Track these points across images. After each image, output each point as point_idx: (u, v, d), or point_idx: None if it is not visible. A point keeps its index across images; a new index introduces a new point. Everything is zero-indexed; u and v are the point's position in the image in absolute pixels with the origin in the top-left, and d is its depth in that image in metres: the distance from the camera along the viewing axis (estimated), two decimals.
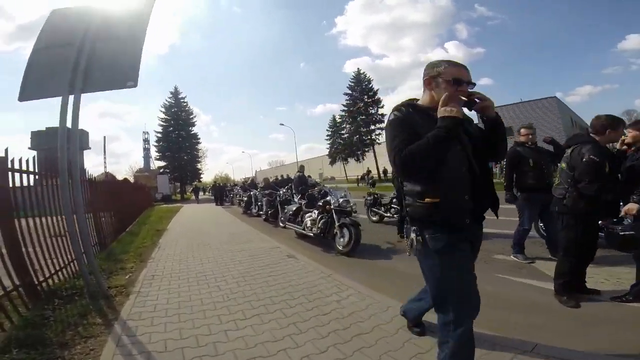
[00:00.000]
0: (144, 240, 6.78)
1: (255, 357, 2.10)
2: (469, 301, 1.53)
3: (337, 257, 4.98)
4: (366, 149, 39.42)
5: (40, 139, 35.58)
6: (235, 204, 18.21)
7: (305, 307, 2.87)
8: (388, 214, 7.67)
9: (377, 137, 39.00)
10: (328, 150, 43.69)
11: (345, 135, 41.04)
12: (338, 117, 42.23)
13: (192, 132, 38.84)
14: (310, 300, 3.03)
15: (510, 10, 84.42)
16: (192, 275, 4.00)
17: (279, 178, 16.69)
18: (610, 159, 2.76)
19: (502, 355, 2.00)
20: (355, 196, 6.59)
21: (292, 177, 17.89)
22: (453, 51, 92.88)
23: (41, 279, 3.13)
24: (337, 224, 5.22)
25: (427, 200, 1.46)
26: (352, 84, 39.50)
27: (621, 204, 2.94)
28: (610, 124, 2.74)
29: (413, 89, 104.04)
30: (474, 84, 1.51)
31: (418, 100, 1.67)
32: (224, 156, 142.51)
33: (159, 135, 37.63)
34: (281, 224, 8.52)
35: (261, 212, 10.67)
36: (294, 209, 6.94)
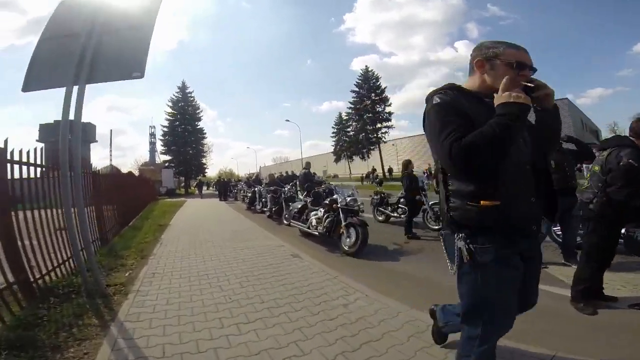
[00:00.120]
0: (146, 236, 6.68)
1: None
2: (504, 320, 1.37)
3: (342, 258, 4.83)
4: (372, 147, 39.14)
5: (48, 132, 35.87)
6: (239, 200, 18.13)
7: (310, 311, 2.72)
8: (395, 214, 7.50)
9: (383, 135, 38.73)
10: (333, 147, 43.48)
11: (351, 133, 40.77)
12: (344, 114, 42.00)
13: (198, 126, 38.89)
14: (316, 304, 2.89)
15: (523, 10, 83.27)
16: (193, 274, 3.88)
17: (284, 174, 16.56)
18: None
19: None
20: (359, 194, 6.41)
21: (297, 174, 17.79)
22: (463, 50, 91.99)
23: (38, 276, 3.02)
24: (343, 223, 5.06)
25: (483, 203, 1.21)
26: (360, 81, 39.19)
27: None
28: None
29: (421, 88, 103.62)
30: (536, 70, 1.31)
31: (458, 85, 1.42)
32: (229, 151, 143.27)
33: (165, 129, 37.74)
34: (285, 222, 8.35)
35: (265, 209, 10.54)
36: (299, 206, 6.79)
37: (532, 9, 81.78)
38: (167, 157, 38.16)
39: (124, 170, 14.06)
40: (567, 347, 2.10)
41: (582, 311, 2.67)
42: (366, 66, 40.32)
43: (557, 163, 3.89)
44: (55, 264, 3.38)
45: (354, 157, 41.00)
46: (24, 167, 3.12)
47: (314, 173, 11.12)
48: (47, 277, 3.18)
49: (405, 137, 50.00)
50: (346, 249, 4.95)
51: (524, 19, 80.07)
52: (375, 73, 39.29)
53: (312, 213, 6.09)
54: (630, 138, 2.66)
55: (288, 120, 56.54)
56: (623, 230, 2.76)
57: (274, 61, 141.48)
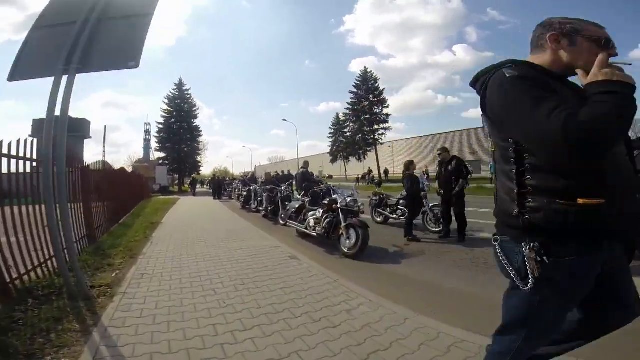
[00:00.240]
0: (137, 234, 6.43)
1: None
2: (546, 339, 1.21)
3: (341, 260, 4.66)
4: (368, 149, 39.08)
5: (41, 127, 35.02)
6: (233, 198, 17.88)
7: (312, 318, 2.53)
8: (394, 216, 7.35)
9: (380, 136, 38.66)
10: (330, 148, 43.36)
11: (348, 134, 40.67)
12: (342, 115, 41.89)
13: (194, 124, 38.48)
14: (317, 310, 2.70)
15: (523, 14, 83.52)
16: (185, 276, 3.66)
17: (280, 174, 16.34)
18: None
19: None
20: (359, 195, 6.24)
21: (293, 173, 17.57)
22: (461, 54, 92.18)
23: (15, 275, 2.78)
24: (343, 224, 4.88)
25: (582, 201, 0.97)
26: (358, 82, 39.10)
27: None
28: None
29: (418, 91, 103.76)
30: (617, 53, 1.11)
31: (525, 61, 1.17)
32: (225, 150, 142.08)
33: (161, 126, 37.25)
34: (281, 222, 8.19)
35: (260, 208, 10.33)
36: (297, 206, 6.60)
37: (532, 14, 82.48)
38: (162, 155, 37.70)
39: (117, 166, 13.73)
40: (592, 351, 1.93)
41: None
42: (365, 67, 40.58)
43: None
44: (36, 263, 3.15)
45: (350, 158, 40.89)
46: (13, 161, 2.93)
47: (312, 173, 10.92)
48: (25, 277, 2.94)
49: (401, 139, 50.13)
50: (345, 250, 4.77)
51: (524, 24, 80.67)
52: (374, 74, 39.36)
53: (310, 213, 5.90)
54: None
55: (285, 120, 56.30)
56: None
57: (272, 61, 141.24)
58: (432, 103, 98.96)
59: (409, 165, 6.25)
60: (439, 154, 5.99)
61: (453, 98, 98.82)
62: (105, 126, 62.68)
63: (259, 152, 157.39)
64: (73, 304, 2.83)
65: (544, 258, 1.02)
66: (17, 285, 2.81)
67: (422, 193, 6.27)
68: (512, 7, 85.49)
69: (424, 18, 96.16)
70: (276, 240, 5.76)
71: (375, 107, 38.34)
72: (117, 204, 8.43)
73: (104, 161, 8.55)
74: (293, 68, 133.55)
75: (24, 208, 3.11)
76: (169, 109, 37.39)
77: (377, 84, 38.75)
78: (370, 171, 31.64)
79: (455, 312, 2.78)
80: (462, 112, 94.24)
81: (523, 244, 1.06)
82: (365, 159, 39.54)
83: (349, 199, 5.16)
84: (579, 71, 1.06)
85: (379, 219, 7.74)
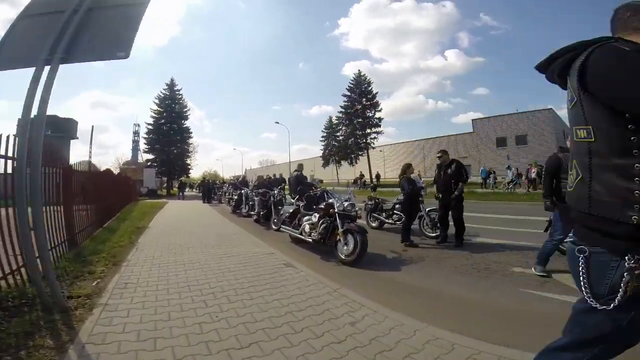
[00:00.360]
0: (121, 239, 6.08)
1: None
2: (611, 357, 1.05)
3: (339, 267, 4.46)
4: (360, 153, 39.11)
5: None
6: (223, 202, 17.51)
7: (314, 333, 2.33)
8: (390, 221, 7.19)
9: (372, 140, 38.76)
10: (322, 151, 43.24)
11: (341, 138, 40.63)
12: (335, 118, 41.88)
13: (185, 125, 37.71)
14: (319, 323, 2.49)
15: (514, 20, 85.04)
16: (172, 285, 3.39)
17: (272, 177, 16.07)
18: None
19: None
20: (356, 199, 6.06)
21: (285, 177, 17.31)
22: (453, 59, 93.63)
23: None
24: (340, 229, 4.69)
25: None
26: (352, 86, 39.21)
27: None
28: None
29: (410, 95, 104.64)
30: None
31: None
32: (215, 153, 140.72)
33: (150, 127, 36.40)
34: (274, 227, 7.96)
35: (252, 213, 10.05)
36: (291, 211, 6.37)
37: (525, 20, 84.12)
38: (150, 156, 36.79)
39: (105, 168, 13.23)
40: None
41: None
42: (359, 70, 40.57)
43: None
44: (8, 271, 2.85)
45: (342, 162, 40.84)
46: None
47: (306, 176, 10.70)
48: None
49: (392, 144, 50.36)
50: (343, 257, 4.58)
51: (515, 29, 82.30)
52: (368, 78, 39.52)
53: (305, 218, 5.69)
54: None
55: (278, 123, 55.70)
56: None
57: (266, 62, 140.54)
58: (422, 108, 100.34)
59: (407, 168, 6.12)
60: (439, 157, 5.87)
61: (443, 103, 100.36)
62: (92, 126, 61.27)
63: (250, 155, 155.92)
64: (47, 316, 2.57)
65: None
66: None
67: (420, 198, 6.15)
68: (504, 12, 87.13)
69: (417, 23, 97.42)
70: (269, 246, 5.52)
71: (368, 111, 38.51)
72: (102, 206, 8.04)
73: (89, 162, 8.16)
74: (286, 70, 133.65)
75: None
76: (159, 109, 36.61)
77: (370, 88, 38.98)
78: (362, 175, 31.61)
79: (465, 321, 2.66)
80: (452, 117, 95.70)
81: (627, 257, 0.89)
82: (357, 163, 39.55)
83: (346, 204, 4.98)
84: None
85: (374, 224, 7.58)
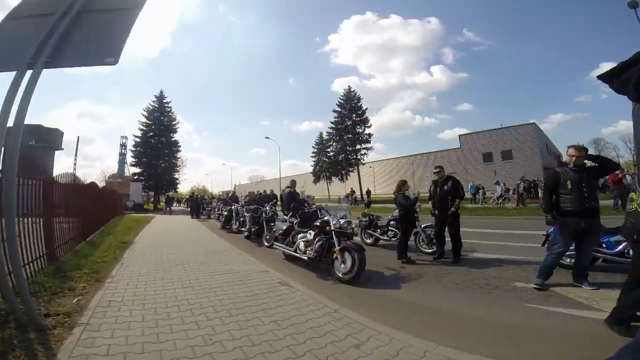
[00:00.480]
0: (105, 254, 5.75)
1: None
2: None
3: (336, 286, 4.29)
4: (351, 169, 39.24)
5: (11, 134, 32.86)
6: (212, 218, 17.09)
7: (317, 357, 2.17)
8: (385, 237, 7.08)
9: (362, 157, 39.01)
10: (312, 167, 43.23)
11: (331, 154, 40.79)
12: (325, 134, 42.16)
13: (173, 139, 37.19)
14: (321, 346, 2.33)
15: (496, 36, 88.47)
16: (160, 305, 3.15)
17: (262, 193, 15.84)
18: None
19: None
20: (351, 216, 5.95)
21: (275, 193, 17.10)
22: (438, 75, 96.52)
23: None
24: (337, 247, 4.55)
25: None
26: (342, 102, 39.71)
27: None
28: None
29: (397, 112, 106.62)
30: None
31: None
32: (204, 167, 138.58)
33: (138, 139, 35.70)
34: (266, 243, 7.73)
35: (243, 229, 9.78)
36: (285, 227, 6.20)
37: (506, 36, 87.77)
38: (137, 170, 35.94)
39: (90, 181, 12.80)
40: None
41: (622, 334, 2.52)
42: (349, 86, 41.18)
43: (574, 184, 3.71)
44: None
45: (333, 178, 40.83)
46: None
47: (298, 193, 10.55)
48: None
49: (381, 160, 50.91)
50: (340, 275, 4.42)
51: (497, 45, 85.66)
52: (357, 94, 40.14)
53: (300, 236, 5.52)
54: None
55: (268, 138, 55.61)
56: None
57: (256, 77, 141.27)
58: (409, 124, 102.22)
59: (402, 185, 6.08)
60: (436, 172, 5.87)
61: (430, 119, 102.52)
62: (78, 137, 60.01)
63: (239, 171, 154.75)
64: (22, 334, 2.34)
65: None
66: None
67: (415, 214, 6.09)
68: (486, 28, 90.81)
69: (404, 39, 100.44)
70: (262, 263, 5.30)
71: (358, 127, 38.91)
72: (85, 220, 7.67)
73: (74, 174, 7.85)
74: (276, 85, 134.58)
75: None
76: (147, 121, 36.06)
77: (360, 103, 39.56)
78: (352, 192, 31.59)
79: (473, 338, 2.57)
80: (439, 133, 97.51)
81: None
82: (347, 179, 39.61)
83: (342, 221, 4.86)
84: None
85: (369, 240, 7.44)
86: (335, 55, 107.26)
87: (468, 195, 22.92)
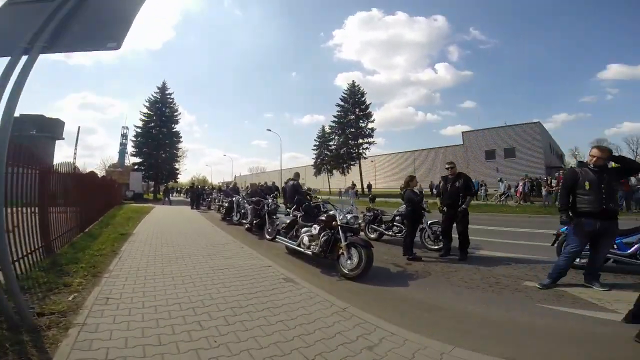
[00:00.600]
0: (103, 246, 5.60)
1: None
2: None
3: (342, 282, 4.16)
4: (352, 163, 39.04)
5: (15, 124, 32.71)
6: (212, 209, 16.96)
7: None
8: (390, 232, 6.94)
9: (364, 151, 38.78)
10: (314, 160, 42.99)
11: (333, 147, 40.54)
12: (328, 128, 41.80)
13: (175, 129, 36.90)
14: (332, 348, 2.21)
15: (501, 34, 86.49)
16: (161, 302, 3.00)
17: (264, 185, 15.69)
18: None
19: None
20: (358, 211, 5.80)
21: (277, 185, 16.94)
22: (442, 72, 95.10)
23: None
24: (343, 242, 4.40)
25: None
26: (346, 96, 39.30)
27: None
28: None
29: (399, 107, 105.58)
30: None
31: None
32: (204, 158, 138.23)
33: (139, 130, 35.40)
34: (268, 237, 7.59)
35: (244, 221, 9.64)
36: (288, 221, 6.04)
37: (513, 34, 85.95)
38: (138, 160, 35.73)
39: (89, 170, 12.61)
40: None
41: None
42: (353, 81, 40.59)
43: (592, 185, 3.62)
44: None
45: (334, 171, 40.65)
46: None
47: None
48: None
49: (383, 155, 50.64)
50: (346, 271, 4.28)
51: (503, 43, 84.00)
52: (361, 88, 39.66)
53: (304, 230, 5.37)
54: None
55: (270, 130, 55.20)
56: None
57: (259, 70, 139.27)
58: (412, 120, 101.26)
59: (410, 181, 5.91)
60: (448, 168, 5.70)
61: (432, 115, 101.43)
62: (79, 127, 59.80)
63: (239, 162, 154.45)
64: (14, 336, 2.19)
65: None
66: None
67: (424, 211, 5.94)
68: (492, 26, 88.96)
69: (409, 36, 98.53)
70: (265, 257, 5.16)
71: (361, 121, 38.57)
72: (83, 210, 7.51)
73: (70, 163, 7.67)
74: (279, 79, 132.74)
75: None
76: (149, 112, 35.71)
77: (363, 98, 39.12)
78: (353, 185, 31.44)
79: (488, 340, 2.49)
80: (441, 130, 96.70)
81: None
82: (348, 172, 39.43)
83: (349, 216, 4.70)
84: None
85: (372, 235, 7.30)
86: (339, 51, 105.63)
87: None
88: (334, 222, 4.66)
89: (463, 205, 5.29)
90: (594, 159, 3.70)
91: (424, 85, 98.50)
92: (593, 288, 3.69)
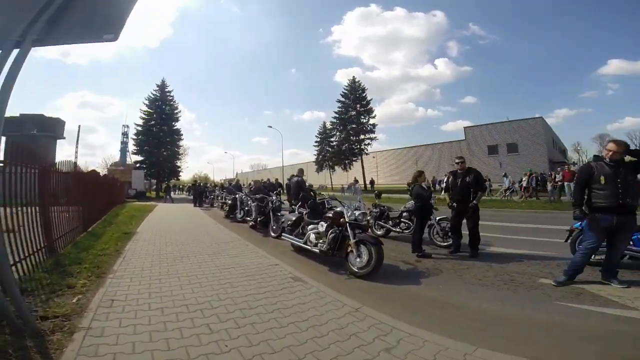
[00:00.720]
0: (106, 245, 5.52)
1: None
2: None
3: (351, 281, 4.06)
4: (354, 159, 38.88)
5: (12, 125, 32.63)
6: (215, 206, 16.89)
7: None
8: (397, 229, 6.83)
9: (366, 147, 38.61)
10: (315, 157, 42.85)
11: (335, 143, 40.38)
12: (329, 124, 41.62)
13: (175, 127, 36.83)
14: (348, 352, 2.11)
15: (501, 30, 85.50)
16: (167, 304, 2.91)
17: (266, 182, 15.59)
18: None
19: None
20: (365, 207, 5.68)
21: (279, 182, 16.84)
22: (442, 68, 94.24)
23: None
24: (352, 240, 4.29)
25: None
26: (346, 92, 39.04)
27: None
28: None
29: (399, 103, 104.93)
30: None
31: None
32: (205, 156, 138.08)
33: (139, 128, 35.35)
34: (273, 234, 7.50)
35: (247, 218, 9.55)
36: (294, 218, 5.94)
37: (512, 30, 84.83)
38: (139, 158, 35.72)
39: (91, 169, 12.54)
40: None
41: None
42: (353, 77, 40.38)
43: (608, 179, 3.52)
44: None
45: (335, 167, 40.53)
46: None
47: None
48: None
49: (385, 150, 50.42)
50: (355, 270, 4.18)
51: (502, 39, 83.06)
52: (362, 84, 39.40)
53: (310, 227, 5.26)
54: None
55: (271, 127, 54.97)
56: None
57: (258, 67, 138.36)
58: (412, 115, 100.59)
59: (418, 176, 5.78)
60: (458, 163, 5.57)
61: (433, 111, 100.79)
62: (79, 126, 59.65)
63: (241, 159, 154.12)
64: (17, 341, 2.11)
65: None
66: None
67: (433, 207, 5.83)
68: (492, 21, 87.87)
69: (408, 31, 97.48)
70: (271, 256, 5.07)
71: (362, 117, 38.35)
72: (86, 209, 7.44)
73: (72, 162, 7.59)
74: (279, 75, 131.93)
75: None
76: (149, 110, 35.63)
77: (364, 94, 38.86)
78: (356, 181, 31.34)
79: (510, 340, 2.42)
80: (441, 125, 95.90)
81: None
82: (350, 169, 39.29)
83: (357, 212, 4.58)
84: None
85: (379, 232, 7.19)
86: (338, 47, 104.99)
87: None
88: (341, 219, 4.55)
89: (474, 201, 5.17)
90: (610, 152, 3.59)
91: (423, 80, 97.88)
92: (611, 285, 3.59)
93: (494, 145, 36.19)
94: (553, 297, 3.41)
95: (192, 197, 22.05)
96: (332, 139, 40.91)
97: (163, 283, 3.55)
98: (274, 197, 8.53)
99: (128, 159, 41.13)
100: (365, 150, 38.58)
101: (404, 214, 6.76)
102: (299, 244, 5.43)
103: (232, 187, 14.04)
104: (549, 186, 16.27)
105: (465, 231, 5.39)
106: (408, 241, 5.93)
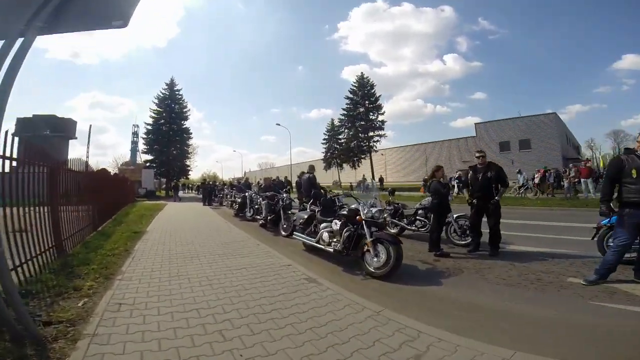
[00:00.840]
0: (116, 245, 5.43)
1: None
2: None
3: (368, 282, 3.87)
4: (363, 156, 38.46)
5: (25, 126, 33.35)
6: (224, 205, 16.86)
7: None
8: (412, 227, 6.58)
9: (375, 144, 38.14)
10: (323, 154, 42.56)
11: (343, 141, 40.00)
12: (337, 121, 41.23)
13: (184, 126, 36.99)
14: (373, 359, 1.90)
15: (511, 24, 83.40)
16: (177, 308, 2.75)
17: (276, 180, 15.44)
18: None
19: None
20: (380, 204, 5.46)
21: (288, 180, 16.70)
22: (451, 63, 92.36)
23: None
24: (369, 239, 4.08)
25: None
26: (355, 88, 38.56)
27: None
28: None
29: (407, 100, 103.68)
30: None
31: None
32: (214, 155, 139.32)
33: (149, 127, 35.61)
34: (283, 233, 7.34)
35: (257, 217, 9.41)
36: (306, 216, 5.75)
37: (522, 25, 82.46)
38: (149, 157, 36.02)
39: (101, 168, 12.57)
40: None
41: None
42: (362, 73, 39.84)
43: None
44: None
45: (344, 165, 40.17)
46: None
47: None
48: None
49: (394, 147, 49.81)
50: (372, 270, 3.98)
51: (512, 34, 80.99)
52: (371, 80, 38.78)
53: (323, 225, 5.07)
54: None
55: (279, 125, 54.79)
56: None
57: (265, 65, 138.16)
58: (421, 112, 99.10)
59: (436, 171, 5.52)
60: (478, 157, 5.30)
61: (442, 107, 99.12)
62: (90, 125, 60.64)
63: (249, 158, 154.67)
64: (17, 349, 1.97)
65: None
66: None
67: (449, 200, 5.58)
68: (502, 16, 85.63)
69: (416, 27, 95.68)
70: (283, 256, 4.89)
71: (371, 114, 37.83)
72: (96, 209, 7.40)
73: (82, 160, 7.55)
74: (285, 73, 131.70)
75: None
76: (158, 109, 35.85)
77: (373, 90, 38.29)
78: (364, 179, 31.04)
79: (546, 342, 2.27)
80: (451, 122, 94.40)
81: None
82: (359, 166, 38.90)
83: (373, 210, 4.37)
84: None
85: (393, 230, 6.93)
86: (344, 43, 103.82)
87: None
88: (357, 217, 4.34)
89: (496, 197, 4.90)
90: None
91: (432, 76, 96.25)
92: None
93: (506, 141, 35.36)
94: (585, 297, 3.20)
95: (201, 195, 22.11)
96: (340, 137, 40.51)
97: (173, 285, 3.40)
98: (284, 195, 8.36)
99: (138, 159, 41.67)
100: (374, 148, 38.12)
101: (419, 211, 6.51)
102: (311, 243, 5.25)
103: (242, 185, 13.94)
104: (565, 183, 15.72)
105: (484, 229, 5.14)
106: (424, 240, 5.70)
